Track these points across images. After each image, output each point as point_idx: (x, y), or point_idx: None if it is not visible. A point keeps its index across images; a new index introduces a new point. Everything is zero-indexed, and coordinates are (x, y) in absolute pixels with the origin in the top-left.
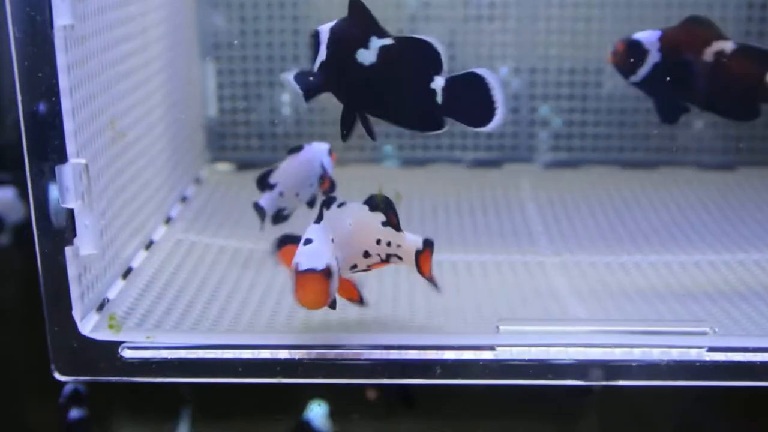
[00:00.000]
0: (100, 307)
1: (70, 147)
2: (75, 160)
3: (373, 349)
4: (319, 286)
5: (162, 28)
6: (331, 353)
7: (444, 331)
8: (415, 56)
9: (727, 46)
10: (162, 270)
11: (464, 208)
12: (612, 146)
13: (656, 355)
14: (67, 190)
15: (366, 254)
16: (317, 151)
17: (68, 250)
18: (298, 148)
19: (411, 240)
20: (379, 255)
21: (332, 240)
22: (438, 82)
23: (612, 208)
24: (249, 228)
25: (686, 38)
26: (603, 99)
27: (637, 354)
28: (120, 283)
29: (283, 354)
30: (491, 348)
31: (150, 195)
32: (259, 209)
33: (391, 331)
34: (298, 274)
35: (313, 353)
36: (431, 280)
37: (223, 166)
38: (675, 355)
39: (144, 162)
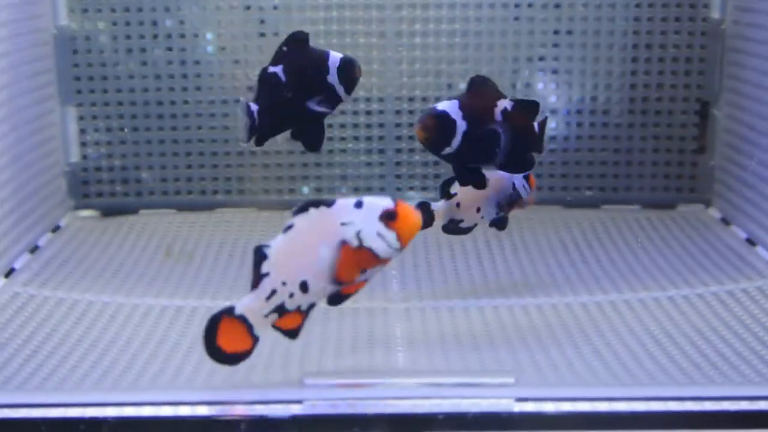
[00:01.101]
0: None
1: None
2: None
3: (178, 405)
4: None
5: (4, 78)
6: (138, 410)
7: (254, 384)
8: None
9: (507, 103)
10: None
11: None
12: None
13: (465, 406)
14: None
15: None
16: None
17: None
18: None
19: None
20: None
21: None
22: None
23: (474, 251)
24: (97, 277)
25: (480, 102)
26: None
27: (446, 406)
28: None
29: (90, 412)
30: (298, 402)
31: None
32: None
33: (195, 388)
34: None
35: (123, 410)
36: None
37: (87, 213)
38: (484, 406)
39: None
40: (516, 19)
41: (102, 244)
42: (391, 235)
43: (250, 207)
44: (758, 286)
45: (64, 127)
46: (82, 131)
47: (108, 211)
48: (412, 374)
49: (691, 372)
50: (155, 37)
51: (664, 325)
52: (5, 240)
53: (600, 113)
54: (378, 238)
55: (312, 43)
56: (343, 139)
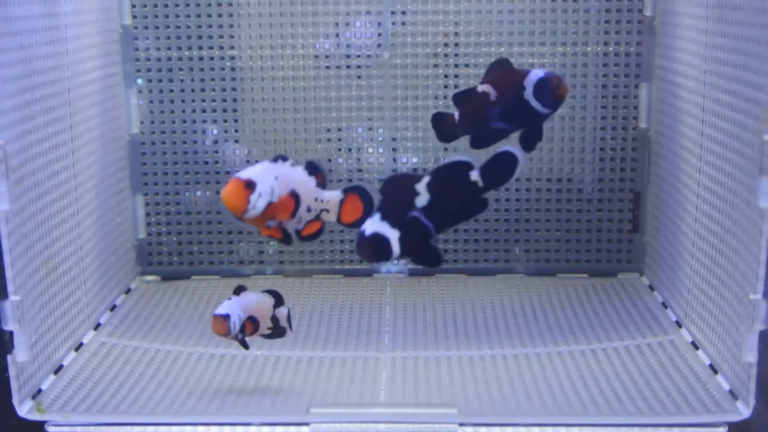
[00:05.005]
0: (35, 396)
1: (9, 287)
2: (13, 297)
3: (228, 426)
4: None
5: (95, 174)
6: (195, 429)
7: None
8: None
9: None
10: (86, 367)
11: (335, 312)
12: (458, 258)
13: (423, 429)
14: (7, 317)
15: (308, 209)
16: None
17: (9, 357)
18: None
19: (333, 194)
20: (315, 210)
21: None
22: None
23: (451, 310)
24: (161, 330)
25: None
26: None
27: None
28: (51, 378)
29: (162, 430)
30: (306, 424)
31: (81, 308)
32: None
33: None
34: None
35: (184, 429)
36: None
37: (150, 278)
38: (436, 428)
39: (75, 284)
40: None
41: (163, 303)
42: None
43: (277, 275)
44: (659, 341)
45: (134, 210)
46: (148, 214)
47: (166, 277)
48: (384, 406)
49: (601, 405)
50: (204, 142)
51: (582, 372)
52: (94, 301)
53: (561, 197)
54: None
55: None
56: None
